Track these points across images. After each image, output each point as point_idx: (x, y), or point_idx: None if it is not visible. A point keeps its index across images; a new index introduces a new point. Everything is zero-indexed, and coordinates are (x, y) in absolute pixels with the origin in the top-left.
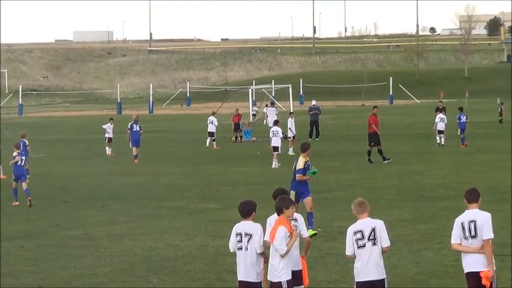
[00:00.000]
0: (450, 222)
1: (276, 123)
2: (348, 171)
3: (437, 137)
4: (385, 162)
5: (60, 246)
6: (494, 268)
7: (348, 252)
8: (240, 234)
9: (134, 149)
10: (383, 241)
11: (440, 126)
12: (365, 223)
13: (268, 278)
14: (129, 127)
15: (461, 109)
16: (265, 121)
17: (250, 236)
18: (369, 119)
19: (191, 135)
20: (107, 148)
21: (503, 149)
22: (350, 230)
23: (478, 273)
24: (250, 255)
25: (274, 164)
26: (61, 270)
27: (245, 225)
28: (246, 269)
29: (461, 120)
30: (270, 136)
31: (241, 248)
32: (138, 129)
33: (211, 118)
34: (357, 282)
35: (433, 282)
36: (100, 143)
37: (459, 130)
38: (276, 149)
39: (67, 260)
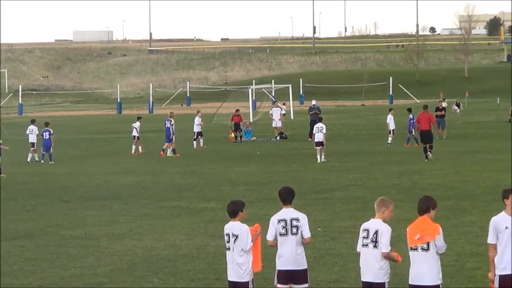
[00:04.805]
0: (450, 222)
1: (320, 120)
2: (348, 171)
3: (389, 137)
4: (426, 159)
5: (60, 246)
6: None
7: (357, 248)
8: (228, 234)
9: (166, 144)
10: (382, 246)
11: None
12: (373, 223)
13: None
14: (164, 124)
15: (409, 110)
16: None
17: (237, 237)
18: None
19: (191, 135)
20: (133, 146)
21: (503, 149)
22: (361, 227)
23: None
24: (236, 255)
25: (322, 158)
26: (61, 270)
27: (233, 226)
28: (232, 269)
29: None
30: (314, 132)
31: (229, 249)
32: (168, 125)
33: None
34: (361, 281)
35: None
36: (100, 143)
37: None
38: (319, 144)
39: (67, 260)
